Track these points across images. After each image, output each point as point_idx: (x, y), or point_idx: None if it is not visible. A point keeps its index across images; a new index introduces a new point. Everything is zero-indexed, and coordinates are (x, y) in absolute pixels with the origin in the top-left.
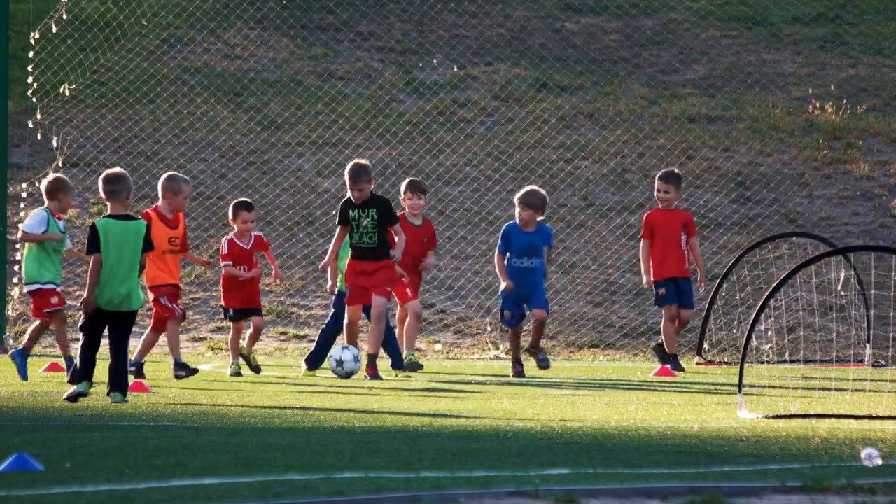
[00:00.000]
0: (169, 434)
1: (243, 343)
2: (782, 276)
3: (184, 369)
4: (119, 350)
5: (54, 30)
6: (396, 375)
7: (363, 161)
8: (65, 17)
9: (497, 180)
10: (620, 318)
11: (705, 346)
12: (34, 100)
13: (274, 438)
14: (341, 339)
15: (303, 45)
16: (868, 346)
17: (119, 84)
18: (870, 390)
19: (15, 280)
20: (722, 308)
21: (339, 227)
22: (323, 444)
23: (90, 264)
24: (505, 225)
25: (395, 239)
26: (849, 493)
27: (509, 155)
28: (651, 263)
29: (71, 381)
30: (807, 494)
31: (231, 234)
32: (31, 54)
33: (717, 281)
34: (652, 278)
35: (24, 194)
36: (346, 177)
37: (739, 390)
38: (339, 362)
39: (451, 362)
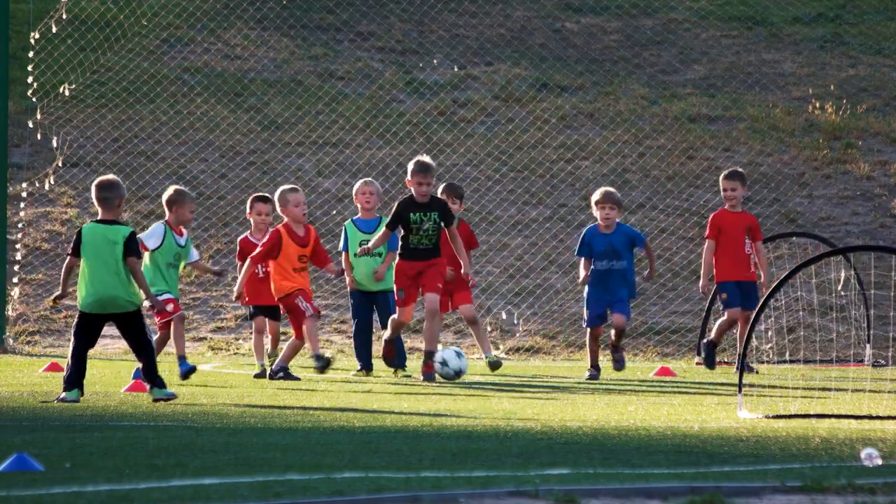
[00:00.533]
0: (169, 434)
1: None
2: (782, 276)
3: (321, 360)
4: (139, 351)
5: (54, 30)
6: (396, 374)
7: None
8: (65, 17)
9: (497, 180)
10: None
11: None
12: (34, 100)
13: (274, 438)
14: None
15: (303, 45)
16: (868, 346)
17: (119, 84)
18: (870, 390)
19: (15, 280)
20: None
21: (384, 229)
22: (323, 444)
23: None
24: (584, 230)
25: (455, 244)
26: (849, 493)
27: (510, 155)
28: (714, 266)
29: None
30: (807, 494)
31: (246, 233)
32: (31, 54)
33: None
34: (710, 280)
35: (24, 194)
36: (413, 170)
37: (739, 390)
38: (444, 363)
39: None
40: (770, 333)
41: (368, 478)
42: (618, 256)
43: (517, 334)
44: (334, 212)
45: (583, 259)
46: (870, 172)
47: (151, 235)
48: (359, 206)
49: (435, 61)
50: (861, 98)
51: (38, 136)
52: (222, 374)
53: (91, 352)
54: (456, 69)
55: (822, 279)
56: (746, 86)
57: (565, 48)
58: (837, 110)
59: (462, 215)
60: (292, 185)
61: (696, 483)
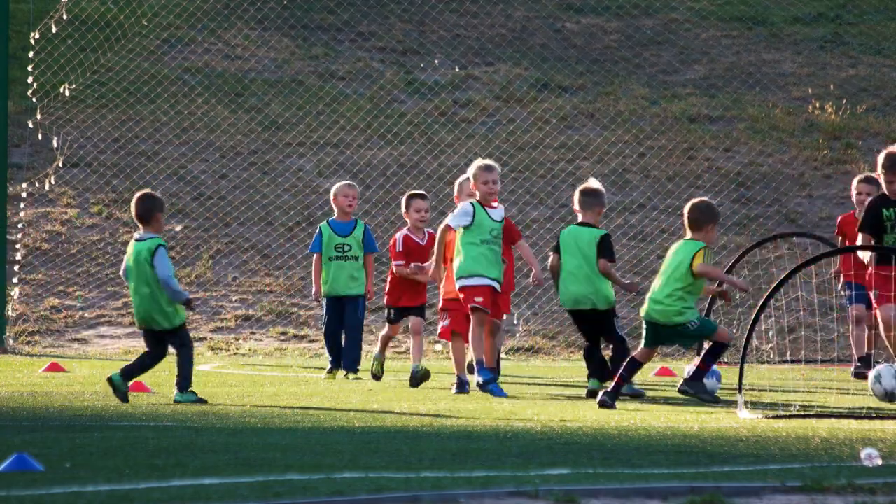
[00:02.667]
0: (169, 434)
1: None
2: (782, 276)
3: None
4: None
5: (54, 30)
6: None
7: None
8: (65, 17)
9: None
10: (621, 318)
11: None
12: (34, 100)
13: (274, 438)
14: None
15: (303, 46)
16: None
17: (119, 84)
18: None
19: (15, 280)
20: (722, 308)
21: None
22: (323, 444)
23: None
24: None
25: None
26: (849, 493)
27: (510, 155)
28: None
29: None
30: (807, 494)
31: (405, 229)
32: (31, 54)
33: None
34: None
35: (24, 194)
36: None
37: (739, 390)
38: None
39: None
40: (770, 333)
41: (368, 478)
42: None
43: (517, 334)
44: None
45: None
46: (869, 172)
47: (462, 214)
48: (337, 208)
49: (436, 61)
50: (861, 98)
51: (39, 136)
52: (222, 374)
53: (91, 351)
54: (456, 69)
55: (822, 279)
56: (747, 86)
57: (566, 48)
58: (837, 110)
59: None
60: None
61: (696, 483)
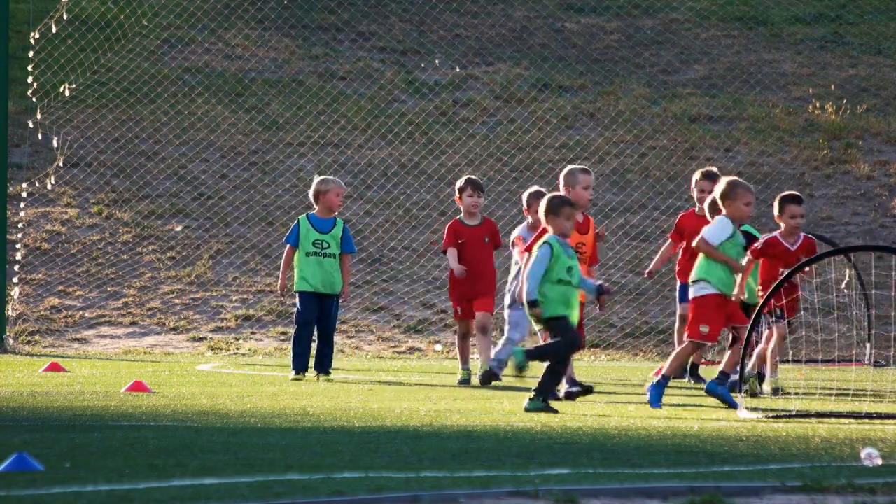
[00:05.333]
0: (169, 434)
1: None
2: (782, 276)
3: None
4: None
5: (54, 30)
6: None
7: None
8: (65, 17)
9: (499, 181)
10: (621, 318)
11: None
12: (34, 100)
13: (274, 438)
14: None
15: (303, 46)
16: (869, 345)
17: (119, 84)
18: (871, 390)
19: (15, 280)
20: None
21: None
22: (323, 444)
23: None
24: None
25: None
26: (849, 493)
27: (511, 155)
28: None
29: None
30: (807, 494)
31: (776, 233)
32: (31, 54)
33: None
34: None
35: (24, 194)
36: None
37: (739, 390)
38: None
39: (452, 362)
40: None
41: (368, 478)
42: None
43: None
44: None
45: None
46: (870, 172)
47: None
48: (325, 204)
49: (436, 61)
50: (861, 98)
51: (39, 136)
52: (222, 374)
53: (91, 351)
54: (457, 69)
55: (822, 279)
56: (747, 86)
57: (566, 48)
58: (837, 110)
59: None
60: (583, 166)
61: (696, 483)
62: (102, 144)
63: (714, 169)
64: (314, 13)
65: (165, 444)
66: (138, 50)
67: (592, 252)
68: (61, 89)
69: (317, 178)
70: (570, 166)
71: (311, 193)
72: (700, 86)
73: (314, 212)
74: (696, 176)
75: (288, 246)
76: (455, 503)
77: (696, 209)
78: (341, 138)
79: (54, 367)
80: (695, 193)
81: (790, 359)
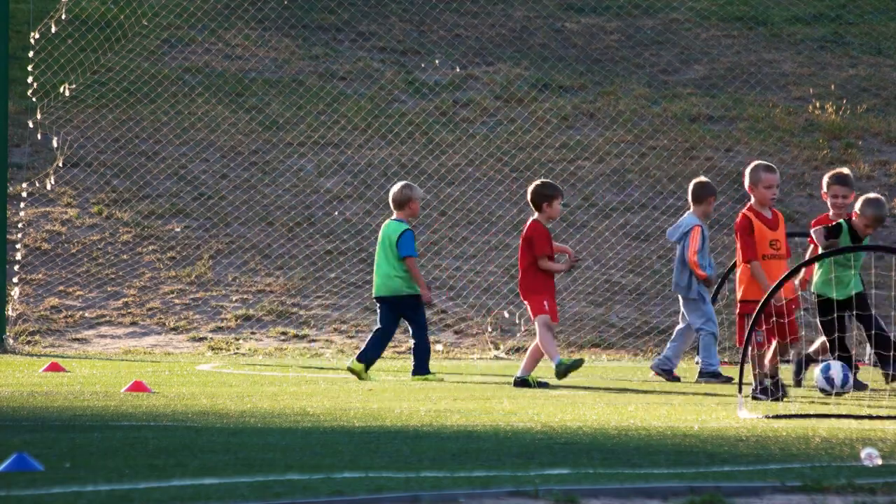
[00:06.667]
0: (169, 434)
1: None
2: (782, 276)
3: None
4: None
5: (54, 30)
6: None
7: None
8: (65, 17)
9: (499, 181)
10: (621, 319)
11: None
12: (34, 100)
13: (274, 438)
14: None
15: (304, 46)
16: (869, 345)
17: (119, 84)
18: (871, 390)
19: (15, 280)
20: (723, 308)
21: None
22: (323, 444)
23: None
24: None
25: None
26: (849, 493)
27: (511, 155)
28: None
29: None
30: (807, 494)
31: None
32: (31, 54)
33: (718, 281)
34: None
35: (24, 194)
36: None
37: (739, 390)
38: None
39: (452, 362)
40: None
41: (368, 478)
42: None
43: (517, 334)
44: (337, 212)
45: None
46: (870, 172)
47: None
48: (406, 210)
49: (436, 61)
50: (861, 98)
51: (38, 136)
52: (222, 374)
53: (91, 351)
54: (457, 69)
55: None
56: (747, 86)
57: (566, 48)
58: (837, 110)
59: (464, 215)
60: (767, 163)
61: (696, 483)
62: (102, 144)
63: (845, 170)
64: (314, 13)
65: (165, 444)
66: (138, 50)
67: (786, 245)
68: (61, 89)
69: (400, 184)
70: (756, 161)
71: (394, 198)
72: (700, 86)
73: (394, 217)
74: (827, 180)
75: (412, 258)
76: (455, 503)
77: (831, 214)
78: (341, 138)
79: (54, 367)
80: (828, 200)
81: (790, 359)
